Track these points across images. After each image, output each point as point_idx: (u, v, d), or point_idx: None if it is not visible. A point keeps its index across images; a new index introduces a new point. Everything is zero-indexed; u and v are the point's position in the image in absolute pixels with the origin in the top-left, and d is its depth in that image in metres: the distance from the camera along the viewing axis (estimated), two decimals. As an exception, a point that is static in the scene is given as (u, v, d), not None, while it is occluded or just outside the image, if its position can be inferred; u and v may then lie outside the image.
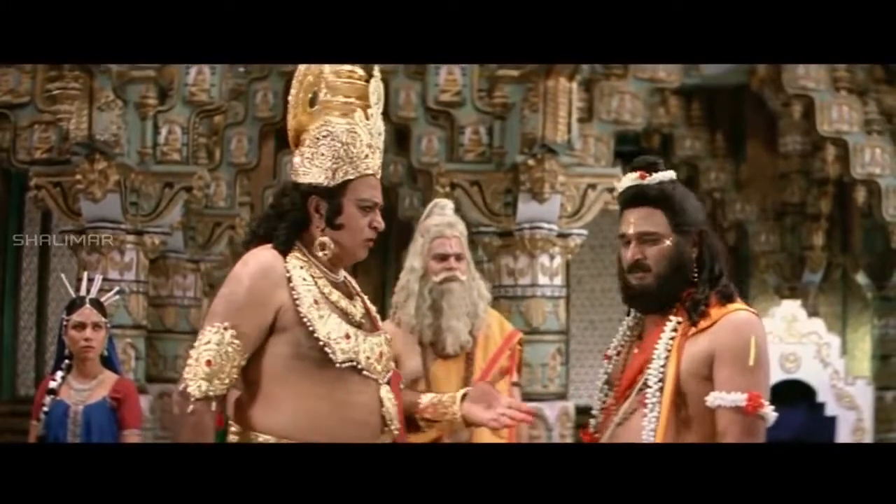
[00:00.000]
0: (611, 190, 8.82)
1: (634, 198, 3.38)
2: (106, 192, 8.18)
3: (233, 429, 3.38)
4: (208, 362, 3.24)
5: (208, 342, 3.25)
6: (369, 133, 3.42)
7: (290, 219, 3.39)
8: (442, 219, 5.18)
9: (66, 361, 5.67)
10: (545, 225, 8.56)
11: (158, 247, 8.68)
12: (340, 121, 3.40)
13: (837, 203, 12.24)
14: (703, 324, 3.27)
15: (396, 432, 3.40)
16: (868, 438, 9.88)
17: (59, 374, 5.64)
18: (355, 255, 3.45)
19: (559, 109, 8.28)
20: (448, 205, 5.33)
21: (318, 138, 3.39)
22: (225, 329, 3.25)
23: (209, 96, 8.62)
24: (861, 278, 12.35)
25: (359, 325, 3.38)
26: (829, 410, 9.87)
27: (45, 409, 5.56)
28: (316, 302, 3.30)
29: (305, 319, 3.27)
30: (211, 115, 9.04)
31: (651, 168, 3.41)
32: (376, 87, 3.48)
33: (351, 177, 3.37)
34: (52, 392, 5.58)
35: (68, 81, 8.05)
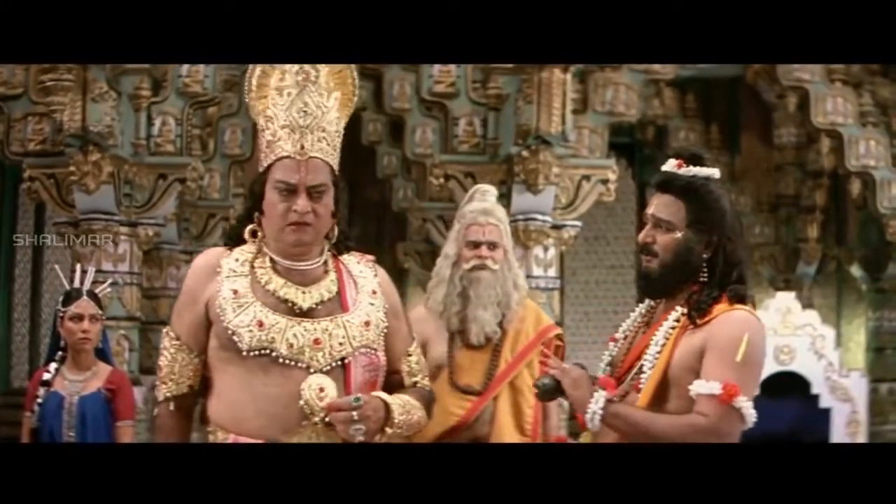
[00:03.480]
0: (605, 181, 8.83)
1: (663, 183, 3.44)
2: (100, 184, 8.16)
3: None
4: (160, 366, 3.39)
5: (162, 347, 3.40)
6: (285, 113, 3.32)
7: (245, 210, 3.45)
8: (479, 205, 4.99)
9: (60, 353, 5.66)
10: (539, 216, 8.55)
11: (152, 238, 8.67)
12: (266, 110, 3.37)
13: (832, 195, 12.25)
14: (703, 320, 3.29)
15: (320, 424, 3.24)
16: (862, 431, 9.90)
17: (53, 365, 5.64)
18: (282, 240, 3.33)
19: (553, 101, 8.27)
20: (490, 191, 5.14)
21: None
22: (167, 333, 3.40)
23: (203, 87, 8.61)
24: (856, 270, 12.36)
25: (301, 313, 3.31)
26: (824, 402, 9.89)
27: (40, 400, 5.56)
28: (235, 292, 3.29)
29: (219, 310, 3.29)
30: (205, 106, 9.03)
31: (692, 161, 3.49)
32: (302, 67, 3.38)
33: (269, 161, 3.33)
34: (46, 384, 5.58)
35: (62, 73, 8.03)
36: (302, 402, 3.23)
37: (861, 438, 9.85)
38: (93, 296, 5.70)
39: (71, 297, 5.67)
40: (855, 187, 10.83)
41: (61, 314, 5.64)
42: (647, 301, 3.55)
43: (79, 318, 5.60)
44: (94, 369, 5.66)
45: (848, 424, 9.85)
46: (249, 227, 3.38)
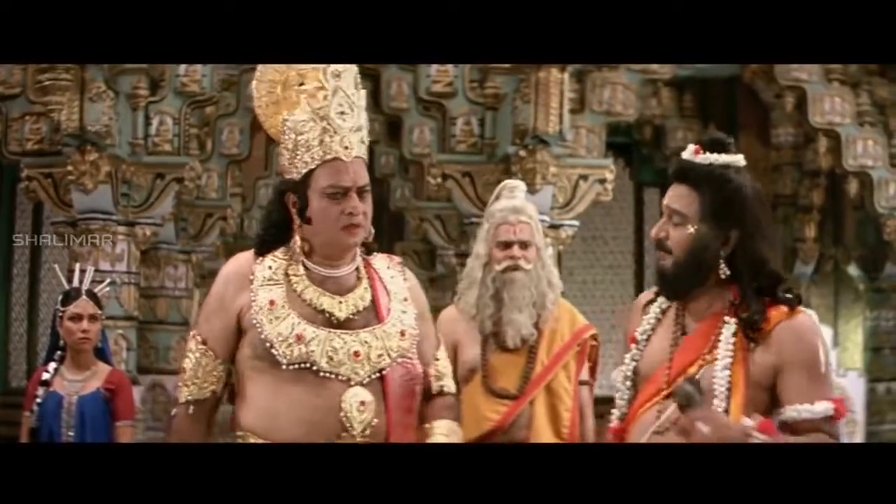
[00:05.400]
0: (602, 181, 8.83)
1: (678, 172, 3.17)
2: (97, 184, 8.17)
3: None
4: (183, 368, 3.35)
5: (189, 349, 3.37)
6: (322, 117, 3.27)
7: (272, 220, 3.38)
8: (508, 203, 4.82)
9: (59, 352, 5.66)
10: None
11: (150, 238, 8.67)
12: (294, 112, 3.31)
13: (829, 195, 12.24)
14: (760, 333, 3.08)
15: (360, 438, 3.23)
16: (860, 430, 9.90)
17: (52, 365, 5.64)
18: (337, 244, 3.32)
19: (551, 100, 8.27)
20: (518, 187, 4.97)
21: (280, 134, 3.34)
22: (194, 336, 3.36)
23: (200, 87, 8.60)
24: (853, 270, 12.36)
25: (338, 324, 3.28)
26: (822, 402, 9.86)
27: (39, 400, 5.55)
28: (272, 302, 3.25)
29: (254, 321, 3.25)
30: (202, 105, 9.02)
31: (713, 146, 3.15)
32: (334, 67, 3.34)
33: (311, 166, 3.26)
34: (46, 384, 5.58)
35: (59, 72, 8.03)
36: (342, 415, 3.22)
37: (858, 438, 9.86)
38: (92, 295, 5.70)
39: (70, 296, 5.67)
40: (852, 187, 10.83)
41: (60, 314, 5.64)
42: (659, 300, 3.27)
43: (78, 317, 5.60)
44: (93, 369, 5.66)
45: (845, 424, 9.84)
46: (296, 236, 3.31)
